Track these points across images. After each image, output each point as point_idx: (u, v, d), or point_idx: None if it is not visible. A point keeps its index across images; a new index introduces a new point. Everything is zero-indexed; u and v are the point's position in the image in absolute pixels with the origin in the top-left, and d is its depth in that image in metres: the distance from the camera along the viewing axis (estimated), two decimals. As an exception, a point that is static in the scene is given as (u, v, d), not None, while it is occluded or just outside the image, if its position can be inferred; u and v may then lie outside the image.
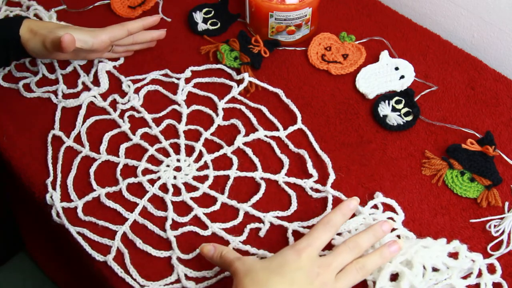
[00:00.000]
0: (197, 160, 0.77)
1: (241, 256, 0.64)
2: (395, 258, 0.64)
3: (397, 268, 0.63)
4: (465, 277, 0.65)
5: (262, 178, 0.75)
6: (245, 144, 0.79)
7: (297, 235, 0.70)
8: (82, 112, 0.82)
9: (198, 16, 0.94)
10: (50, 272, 0.93)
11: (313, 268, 0.61)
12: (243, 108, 0.82)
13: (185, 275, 0.68)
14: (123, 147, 0.78)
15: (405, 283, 0.62)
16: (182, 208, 0.73)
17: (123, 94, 0.85)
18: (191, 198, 0.74)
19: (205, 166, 0.77)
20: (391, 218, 0.71)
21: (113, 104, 0.83)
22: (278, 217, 0.72)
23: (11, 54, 0.81)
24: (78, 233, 0.71)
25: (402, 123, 0.80)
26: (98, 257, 0.69)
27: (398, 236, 0.68)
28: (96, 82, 0.86)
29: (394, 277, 0.65)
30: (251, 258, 0.64)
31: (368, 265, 0.64)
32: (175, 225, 0.72)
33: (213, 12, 0.95)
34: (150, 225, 0.72)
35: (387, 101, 0.82)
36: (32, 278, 0.95)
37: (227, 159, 0.77)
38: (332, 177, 0.74)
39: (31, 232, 0.93)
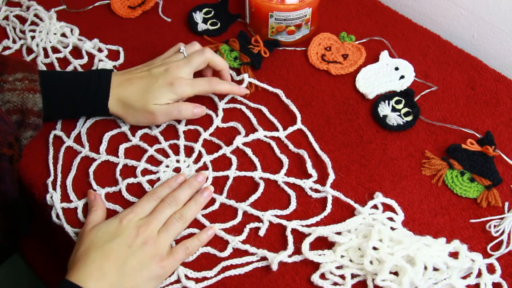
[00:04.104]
0: (197, 161, 0.77)
1: (93, 228, 0.67)
2: (397, 251, 0.64)
3: (399, 263, 0.63)
4: (464, 277, 0.66)
5: (261, 178, 0.75)
6: (244, 144, 0.79)
7: (296, 233, 0.70)
8: (83, 112, 0.82)
9: (198, 16, 0.94)
10: (45, 274, 0.93)
11: (132, 231, 0.66)
12: (243, 108, 0.82)
13: (185, 275, 0.68)
14: (122, 147, 0.78)
15: (406, 279, 0.62)
16: (181, 209, 0.73)
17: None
18: (191, 199, 0.74)
19: (204, 167, 0.77)
20: (391, 218, 0.71)
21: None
22: (277, 216, 0.72)
23: (95, 115, 0.81)
24: (77, 234, 0.71)
25: (402, 123, 0.79)
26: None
27: None
28: (96, 82, 0.86)
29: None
30: (94, 230, 0.67)
31: (186, 213, 0.70)
32: (175, 226, 0.72)
33: (213, 12, 0.95)
34: (149, 225, 0.72)
35: (387, 101, 0.82)
36: (26, 280, 0.95)
37: (226, 159, 0.77)
38: (331, 177, 0.74)
39: (29, 233, 0.93)
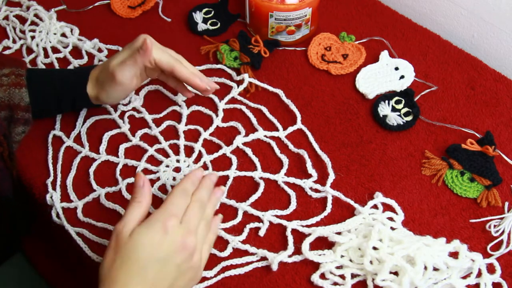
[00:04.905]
0: (197, 161, 0.77)
1: (132, 233, 0.59)
2: (397, 251, 0.64)
3: (399, 263, 0.63)
4: (464, 277, 0.66)
5: (261, 178, 0.75)
6: (244, 144, 0.79)
7: (296, 233, 0.70)
8: (83, 112, 0.82)
9: (198, 16, 0.94)
10: (47, 274, 0.93)
11: (177, 238, 0.58)
12: (243, 108, 0.82)
13: (185, 275, 0.68)
14: (122, 147, 0.78)
15: (406, 279, 0.62)
16: (181, 208, 0.73)
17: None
18: (191, 198, 0.74)
19: (204, 167, 0.77)
20: (391, 218, 0.71)
21: (114, 104, 0.83)
22: (277, 216, 0.72)
23: (80, 106, 0.80)
24: (78, 234, 0.71)
25: (402, 123, 0.80)
26: (98, 258, 0.69)
27: None
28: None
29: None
30: (134, 239, 0.58)
31: (212, 224, 0.66)
32: (175, 225, 0.72)
33: (213, 12, 0.95)
34: (149, 225, 0.71)
35: (387, 101, 0.82)
36: (29, 279, 0.95)
37: (226, 159, 0.77)
38: (331, 177, 0.74)
39: (28, 233, 0.93)
